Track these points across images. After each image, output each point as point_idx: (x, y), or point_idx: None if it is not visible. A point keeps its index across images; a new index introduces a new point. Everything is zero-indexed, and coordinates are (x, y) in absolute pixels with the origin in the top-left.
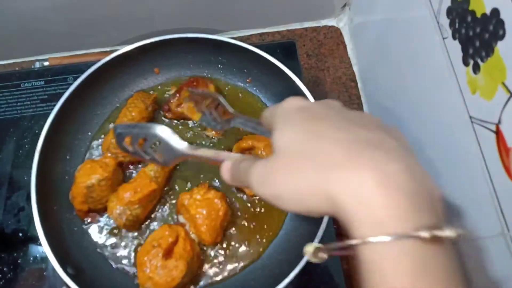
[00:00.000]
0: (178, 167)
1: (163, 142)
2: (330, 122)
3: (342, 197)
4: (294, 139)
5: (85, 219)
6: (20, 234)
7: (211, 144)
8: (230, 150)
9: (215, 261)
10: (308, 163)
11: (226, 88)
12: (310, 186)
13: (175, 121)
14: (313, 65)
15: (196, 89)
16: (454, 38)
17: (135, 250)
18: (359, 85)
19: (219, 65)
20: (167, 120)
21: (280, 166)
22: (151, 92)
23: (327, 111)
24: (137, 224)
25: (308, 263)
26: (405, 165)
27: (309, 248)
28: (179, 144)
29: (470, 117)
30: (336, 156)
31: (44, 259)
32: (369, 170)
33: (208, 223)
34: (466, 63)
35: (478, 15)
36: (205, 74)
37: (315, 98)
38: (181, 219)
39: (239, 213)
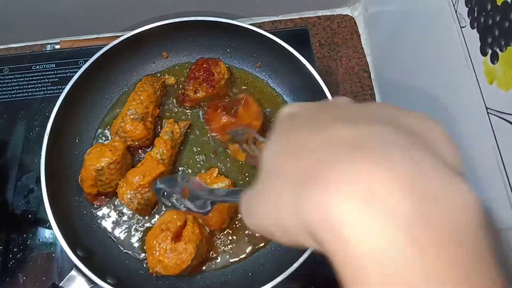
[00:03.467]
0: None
1: (190, 190)
2: (311, 128)
3: (314, 224)
4: (272, 156)
5: (94, 202)
6: (30, 216)
7: None
8: None
9: (224, 245)
10: (284, 184)
11: (234, 73)
12: (289, 214)
13: (188, 109)
14: (325, 54)
15: (234, 129)
16: (472, 27)
17: (144, 234)
18: (372, 75)
19: (228, 50)
20: (187, 111)
21: (260, 191)
22: (158, 75)
23: (318, 113)
24: (149, 207)
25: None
26: (408, 181)
27: None
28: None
29: (487, 108)
30: (308, 170)
31: (53, 241)
32: (351, 184)
33: (215, 209)
34: (484, 53)
35: (499, 2)
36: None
37: (327, 88)
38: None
39: None
